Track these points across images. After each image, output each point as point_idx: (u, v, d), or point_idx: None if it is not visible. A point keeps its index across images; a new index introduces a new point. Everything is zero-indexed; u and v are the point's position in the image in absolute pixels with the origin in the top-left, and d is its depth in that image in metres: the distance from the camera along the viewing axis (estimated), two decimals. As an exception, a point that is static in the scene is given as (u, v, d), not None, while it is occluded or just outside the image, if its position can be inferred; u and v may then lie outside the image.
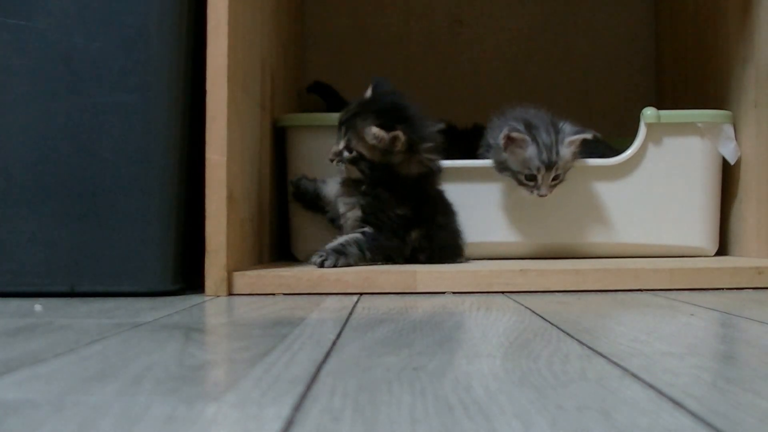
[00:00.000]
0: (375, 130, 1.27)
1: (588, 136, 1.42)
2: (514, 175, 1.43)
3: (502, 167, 1.44)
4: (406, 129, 1.28)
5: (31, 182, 1.09)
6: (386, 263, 1.28)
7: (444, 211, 1.36)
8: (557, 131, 1.41)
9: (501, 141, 1.40)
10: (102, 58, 1.09)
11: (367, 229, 1.28)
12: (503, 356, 0.61)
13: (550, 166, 1.39)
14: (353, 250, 1.24)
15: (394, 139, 1.27)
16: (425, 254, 1.31)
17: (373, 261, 1.26)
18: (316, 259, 1.20)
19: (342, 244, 1.24)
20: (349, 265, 1.22)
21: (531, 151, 1.39)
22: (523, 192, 1.43)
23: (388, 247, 1.29)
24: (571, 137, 1.41)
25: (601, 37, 2.01)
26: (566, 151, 1.41)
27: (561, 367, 0.57)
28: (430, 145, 1.32)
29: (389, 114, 1.30)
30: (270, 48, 1.45)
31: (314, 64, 1.99)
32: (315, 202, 1.42)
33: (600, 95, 1.99)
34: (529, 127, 1.41)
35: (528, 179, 1.42)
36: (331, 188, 1.39)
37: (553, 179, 1.42)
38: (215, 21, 1.11)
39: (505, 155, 1.42)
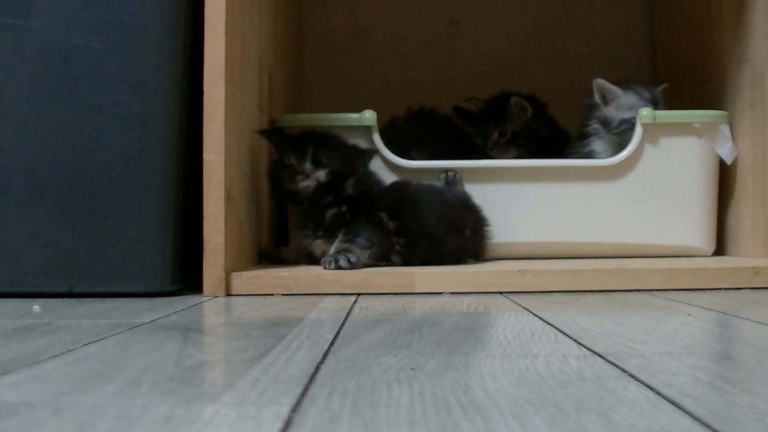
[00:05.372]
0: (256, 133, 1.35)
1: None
2: None
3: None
4: (284, 145, 1.33)
5: (29, 182, 1.09)
6: (383, 250, 1.27)
7: (398, 202, 1.33)
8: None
9: None
10: (100, 58, 1.09)
11: (339, 233, 1.27)
12: (501, 356, 0.61)
13: None
14: (347, 246, 1.23)
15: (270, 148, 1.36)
16: (404, 238, 1.29)
17: (371, 247, 1.25)
18: (330, 265, 1.18)
19: (338, 249, 1.23)
20: (358, 259, 1.20)
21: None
22: None
23: (368, 229, 1.27)
24: None
25: (597, 38, 2.01)
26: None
27: (559, 367, 0.57)
28: (307, 164, 1.31)
29: (287, 138, 1.36)
30: (267, 48, 1.45)
31: (311, 65, 1.99)
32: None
33: (597, 95, 1.98)
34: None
35: None
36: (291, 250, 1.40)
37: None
38: (212, 21, 1.11)
39: None
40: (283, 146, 1.33)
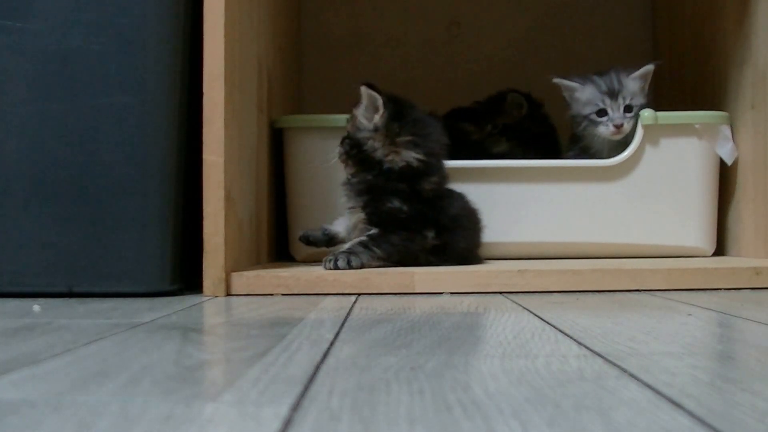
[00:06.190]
0: (364, 88, 1.24)
1: None
2: None
3: None
4: (392, 107, 1.24)
5: (29, 183, 1.09)
6: (404, 263, 1.23)
7: (456, 215, 1.30)
8: None
9: None
10: (99, 60, 1.09)
11: (373, 230, 1.23)
12: (501, 356, 0.61)
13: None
14: (360, 249, 1.20)
15: (377, 107, 1.24)
16: (439, 257, 1.26)
17: (388, 259, 1.22)
18: (328, 264, 1.17)
19: (349, 248, 1.21)
20: (361, 264, 1.19)
21: None
22: None
23: (399, 244, 1.23)
24: None
25: (598, 39, 2.01)
26: None
27: (559, 366, 0.57)
28: (407, 138, 1.25)
29: (393, 98, 1.27)
30: (267, 49, 1.45)
31: (311, 66, 1.99)
32: (331, 244, 1.30)
33: (597, 96, 1.98)
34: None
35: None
36: (340, 224, 1.31)
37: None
38: (212, 22, 1.11)
39: None
40: (390, 110, 1.25)
